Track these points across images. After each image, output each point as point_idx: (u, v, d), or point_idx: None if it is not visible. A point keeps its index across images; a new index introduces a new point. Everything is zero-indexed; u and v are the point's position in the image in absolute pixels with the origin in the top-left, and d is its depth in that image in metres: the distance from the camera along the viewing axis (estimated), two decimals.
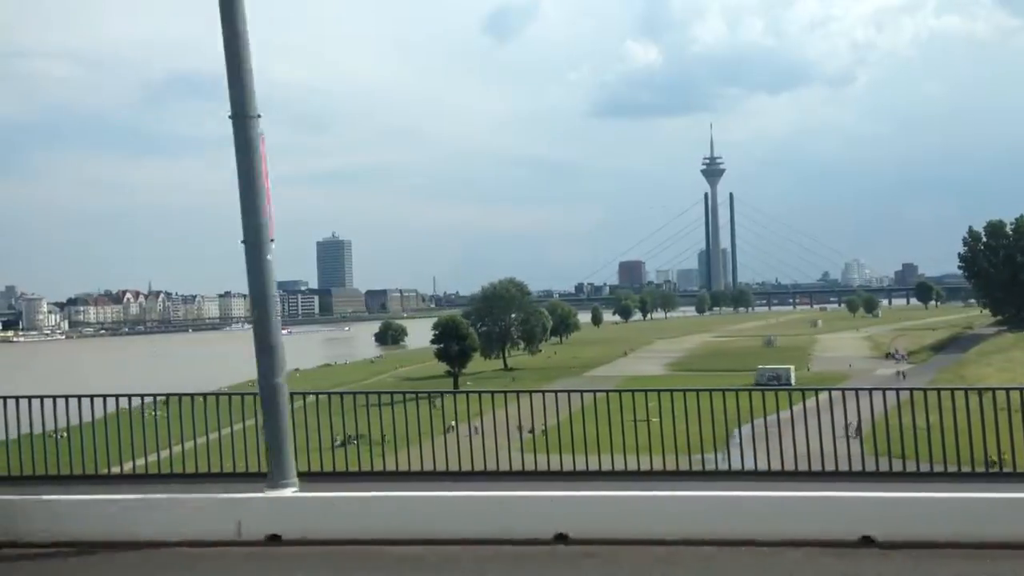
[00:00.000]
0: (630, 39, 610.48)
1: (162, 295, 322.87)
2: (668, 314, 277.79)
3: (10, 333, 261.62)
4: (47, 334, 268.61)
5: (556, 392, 12.80)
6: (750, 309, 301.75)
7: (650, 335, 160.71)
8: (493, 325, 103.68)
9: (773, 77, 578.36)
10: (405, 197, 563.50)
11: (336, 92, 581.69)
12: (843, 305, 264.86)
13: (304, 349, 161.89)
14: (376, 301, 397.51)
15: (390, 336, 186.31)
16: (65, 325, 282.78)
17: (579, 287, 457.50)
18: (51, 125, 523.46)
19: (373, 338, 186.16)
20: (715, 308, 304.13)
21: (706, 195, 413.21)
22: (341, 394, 13.36)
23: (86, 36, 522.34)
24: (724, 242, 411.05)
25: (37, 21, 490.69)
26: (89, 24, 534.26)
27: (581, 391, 13.43)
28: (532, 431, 15.69)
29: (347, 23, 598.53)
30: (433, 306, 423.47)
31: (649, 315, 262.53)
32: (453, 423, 16.28)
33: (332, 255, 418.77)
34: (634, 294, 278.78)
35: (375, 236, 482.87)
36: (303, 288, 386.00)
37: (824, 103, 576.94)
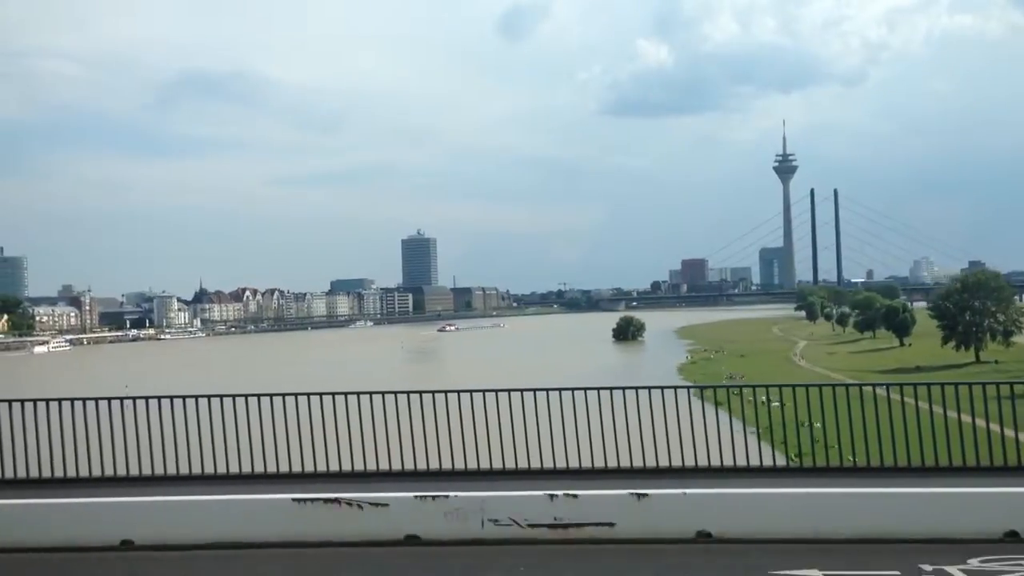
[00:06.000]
0: (641, 38, 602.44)
1: (276, 293, 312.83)
2: None
3: (152, 331, 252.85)
4: (191, 332, 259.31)
5: None
6: None
7: None
8: (973, 315, 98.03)
9: (785, 76, 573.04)
10: (411, 196, 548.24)
11: (346, 91, 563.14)
12: None
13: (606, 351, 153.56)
14: (461, 299, 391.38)
15: (631, 332, 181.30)
16: (198, 323, 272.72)
17: (655, 285, 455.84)
18: (62, 125, 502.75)
19: (611, 333, 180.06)
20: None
21: (785, 193, 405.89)
22: None
23: (99, 36, 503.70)
24: (796, 239, 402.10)
25: (48, 21, 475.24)
26: (103, 25, 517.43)
27: None
28: None
29: (357, 24, 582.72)
30: (515, 305, 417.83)
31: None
32: None
33: (418, 253, 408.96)
34: (815, 290, 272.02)
35: (388, 237, 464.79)
36: (372, 287, 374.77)
37: (836, 101, 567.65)
